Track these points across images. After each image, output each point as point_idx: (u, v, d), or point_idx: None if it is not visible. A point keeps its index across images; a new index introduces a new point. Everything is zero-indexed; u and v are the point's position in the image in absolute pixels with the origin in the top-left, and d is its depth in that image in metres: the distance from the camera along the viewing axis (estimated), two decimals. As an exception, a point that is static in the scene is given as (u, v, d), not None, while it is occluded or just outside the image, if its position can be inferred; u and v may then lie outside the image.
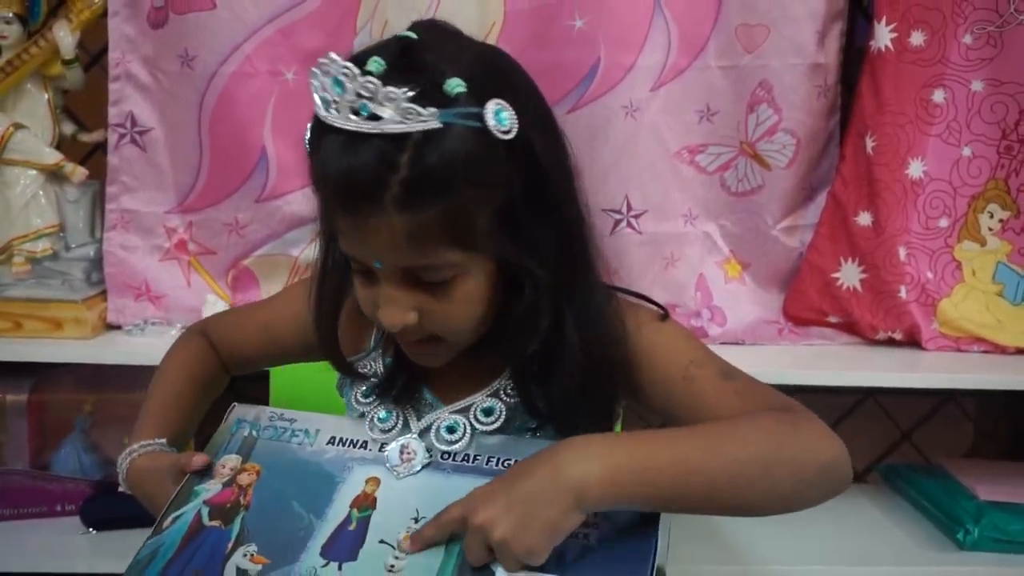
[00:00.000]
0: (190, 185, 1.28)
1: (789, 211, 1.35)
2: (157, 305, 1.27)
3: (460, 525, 0.64)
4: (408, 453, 0.73)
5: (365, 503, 0.71)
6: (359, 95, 0.61)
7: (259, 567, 0.67)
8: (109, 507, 1.24)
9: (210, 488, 0.73)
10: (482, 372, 0.77)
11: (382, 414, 0.76)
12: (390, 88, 0.61)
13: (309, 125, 0.67)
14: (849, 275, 1.34)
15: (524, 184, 0.67)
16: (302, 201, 1.25)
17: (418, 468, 0.72)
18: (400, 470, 0.72)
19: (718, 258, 1.36)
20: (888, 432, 1.60)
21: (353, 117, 0.62)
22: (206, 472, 0.75)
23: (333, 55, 0.62)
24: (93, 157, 1.34)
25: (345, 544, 0.68)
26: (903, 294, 1.32)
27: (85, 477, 1.27)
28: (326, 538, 0.69)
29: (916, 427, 1.60)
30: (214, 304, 1.26)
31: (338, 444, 0.75)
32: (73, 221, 1.24)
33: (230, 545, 0.69)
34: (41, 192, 1.20)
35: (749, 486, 0.65)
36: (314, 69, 0.64)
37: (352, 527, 0.69)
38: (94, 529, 1.23)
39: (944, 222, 1.37)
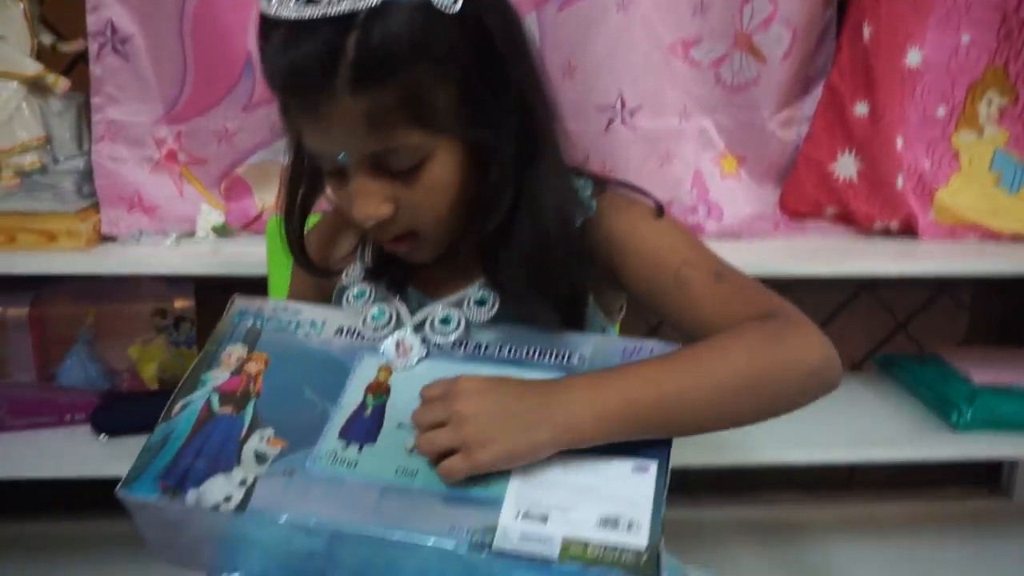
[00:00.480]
0: (176, 94, 1.25)
1: (785, 104, 1.34)
2: (151, 216, 1.26)
3: (438, 405, 0.65)
4: (404, 347, 0.73)
5: (379, 390, 0.70)
6: None
7: (277, 450, 0.66)
8: (119, 414, 1.27)
9: (217, 376, 0.72)
10: (470, 266, 0.77)
11: (375, 312, 0.76)
12: None
13: (256, 29, 0.66)
14: (846, 166, 1.33)
15: (478, 62, 0.66)
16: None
17: (415, 361, 0.72)
18: (397, 364, 0.72)
19: (713, 153, 1.35)
20: (884, 323, 1.61)
21: (292, 4, 0.61)
22: (212, 361, 0.73)
23: None
24: (76, 69, 1.31)
25: (363, 428, 0.68)
26: (900, 184, 1.31)
27: (92, 387, 1.29)
28: (343, 422, 0.68)
29: (912, 317, 1.61)
30: (208, 214, 1.25)
31: (346, 335, 0.75)
32: (60, 134, 1.22)
33: (244, 431, 0.68)
34: (24, 104, 1.18)
35: (736, 406, 0.67)
36: None
37: (368, 412, 0.69)
38: (106, 435, 1.25)
39: (942, 111, 1.35)
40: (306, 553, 0.64)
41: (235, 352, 0.74)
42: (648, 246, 0.75)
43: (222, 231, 1.25)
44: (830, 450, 1.27)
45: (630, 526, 0.60)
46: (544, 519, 0.60)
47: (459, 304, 0.76)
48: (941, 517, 1.60)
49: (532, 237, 0.72)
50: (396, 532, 0.60)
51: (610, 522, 0.60)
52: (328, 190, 0.75)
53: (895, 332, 1.62)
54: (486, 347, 0.73)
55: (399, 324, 0.76)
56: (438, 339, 0.74)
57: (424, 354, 0.73)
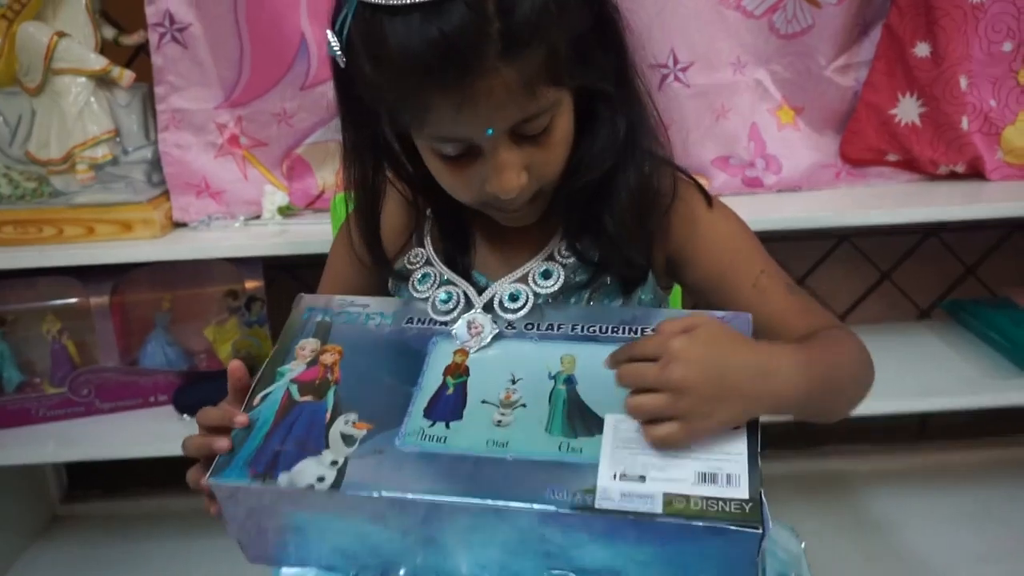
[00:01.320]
0: (235, 79, 1.28)
1: (842, 49, 1.31)
2: (218, 200, 1.30)
3: (650, 369, 0.62)
4: (476, 327, 0.73)
5: (458, 371, 0.70)
6: None
7: (363, 432, 0.66)
8: (199, 393, 1.32)
9: (294, 369, 0.71)
10: (530, 243, 0.78)
11: (442, 295, 0.76)
12: None
13: (340, 28, 0.64)
14: (907, 110, 1.30)
15: (593, 10, 0.67)
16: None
17: (488, 340, 0.72)
18: (471, 344, 0.72)
19: (770, 105, 1.33)
20: (952, 268, 1.58)
21: None
22: (286, 355, 0.73)
23: None
24: (137, 59, 1.35)
25: (447, 406, 0.67)
26: (965, 125, 1.28)
27: (172, 369, 1.35)
28: (426, 402, 0.68)
29: (981, 260, 1.58)
30: (273, 194, 1.28)
31: (417, 323, 0.74)
32: (127, 125, 1.26)
33: (328, 415, 0.67)
34: (93, 99, 1.22)
35: (849, 400, 0.72)
36: None
37: (450, 391, 0.69)
38: (188, 415, 1.31)
39: (1008, 46, 1.30)
40: (399, 532, 0.64)
41: (308, 345, 0.73)
42: (726, 249, 0.77)
43: (287, 211, 1.28)
44: (901, 401, 1.26)
45: (729, 479, 0.59)
46: (642, 478, 0.60)
47: (524, 280, 0.76)
48: (1016, 463, 1.58)
49: (633, 187, 0.73)
50: (497, 499, 0.60)
51: (708, 477, 0.60)
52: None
53: (964, 277, 1.58)
54: (559, 326, 0.72)
55: (468, 306, 0.76)
56: (508, 316, 0.74)
57: (496, 333, 0.73)
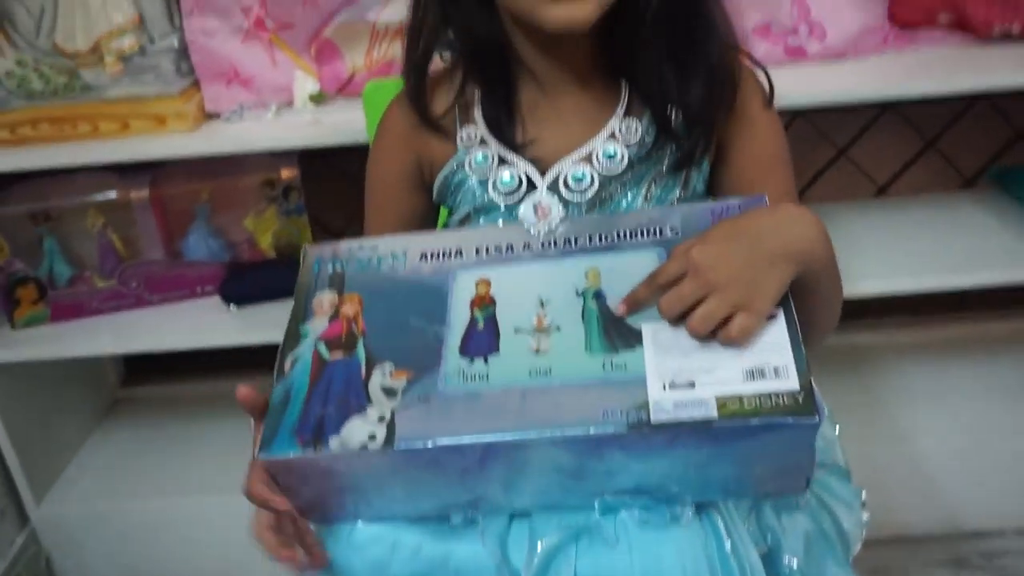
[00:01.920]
0: (256, -42, 1.24)
1: (893, -99, 1.23)
2: (248, 88, 1.28)
3: (687, 284, 0.63)
4: (543, 209, 0.73)
5: (484, 303, 0.69)
6: None
7: (403, 381, 0.65)
8: (244, 284, 1.35)
9: (316, 326, 0.69)
10: (586, 121, 0.77)
11: (504, 177, 0.76)
12: None
13: None
14: (962, -33, 1.23)
15: None
16: (371, -39, 1.20)
17: (556, 222, 0.71)
18: (539, 227, 0.71)
19: (815, -35, 1.27)
20: (1001, 132, 1.53)
21: None
22: (305, 312, 0.71)
23: None
24: (154, -58, 1.31)
25: (482, 341, 0.66)
26: (1023, -19, 1.21)
27: (215, 260, 1.37)
28: (458, 341, 0.66)
29: (1031, 125, 1.53)
30: (303, 81, 1.26)
31: (432, 259, 0.72)
32: (151, 12, 1.23)
33: (363, 370, 0.66)
34: (114, -14, 1.19)
35: (836, 306, 0.75)
36: None
37: (480, 327, 0.67)
38: (234, 305, 1.34)
39: None
40: (457, 475, 0.64)
41: (325, 299, 0.71)
42: (765, 160, 0.78)
43: (319, 99, 1.26)
44: (938, 277, 1.24)
45: (776, 372, 0.59)
46: (691, 384, 0.60)
47: (587, 159, 0.76)
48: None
49: (716, 59, 0.74)
50: (553, 430, 0.60)
51: (756, 373, 0.60)
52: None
53: (1014, 142, 1.53)
54: (576, 239, 0.71)
55: (530, 187, 0.76)
56: (575, 197, 0.74)
57: (563, 215, 0.72)
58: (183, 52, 1.26)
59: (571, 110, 0.77)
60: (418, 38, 0.78)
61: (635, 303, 0.65)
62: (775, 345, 0.61)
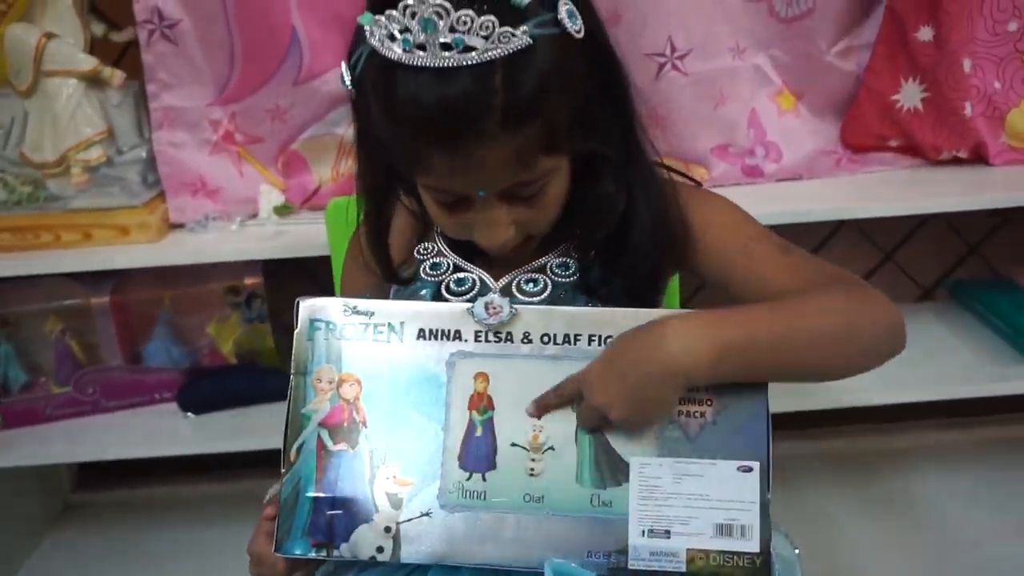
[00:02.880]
0: (227, 75, 1.26)
1: (843, 32, 1.28)
2: (214, 199, 1.29)
3: (577, 399, 0.70)
4: (494, 308, 0.73)
5: (481, 403, 0.72)
6: (453, 29, 0.60)
7: (406, 489, 0.70)
8: (202, 391, 1.34)
9: (318, 408, 0.73)
10: (548, 237, 0.78)
11: (456, 279, 0.78)
12: (484, 17, 0.60)
13: (354, 65, 0.65)
14: (910, 95, 1.28)
15: (593, 77, 0.68)
16: (339, 80, 1.23)
17: (507, 318, 0.72)
18: (490, 323, 0.72)
19: (770, 90, 1.31)
20: (955, 246, 1.57)
21: (445, 53, 0.61)
22: (305, 393, 0.73)
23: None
24: (127, 56, 1.34)
25: (480, 452, 0.71)
26: (968, 110, 1.26)
27: (176, 366, 1.36)
28: (458, 448, 0.71)
29: (984, 240, 1.56)
30: (269, 193, 1.28)
31: (430, 338, 0.73)
32: (120, 124, 1.25)
33: (367, 468, 0.71)
34: (84, 100, 1.21)
35: (833, 354, 0.70)
36: (391, 12, 0.61)
37: (479, 433, 0.71)
38: (192, 413, 1.32)
39: (1013, 25, 1.28)
40: None
41: (324, 375, 0.74)
42: (713, 225, 0.78)
43: (283, 211, 1.27)
44: (898, 391, 1.26)
45: (743, 531, 0.68)
46: (667, 533, 0.68)
47: (541, 271, 0.77)
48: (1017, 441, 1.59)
49: (649, 233, 0.75)
50: (547, 564, 0.67)
51: (725, 529, 0.68)
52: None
53: (967, 256, 1.57)
54: (575, 338, 0.72)
55: (483, 290, 0.77)
56: (525, 299, 0.75)
57: (514, 313, 0.72)
58: (150, 163, 1.27)
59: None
60: (375, 204, 0.80)
61: (543, 409, 0.71)
62: (746, 501, 0.69)
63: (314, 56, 1.24)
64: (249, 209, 1.29)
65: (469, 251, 0.79)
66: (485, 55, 0.61)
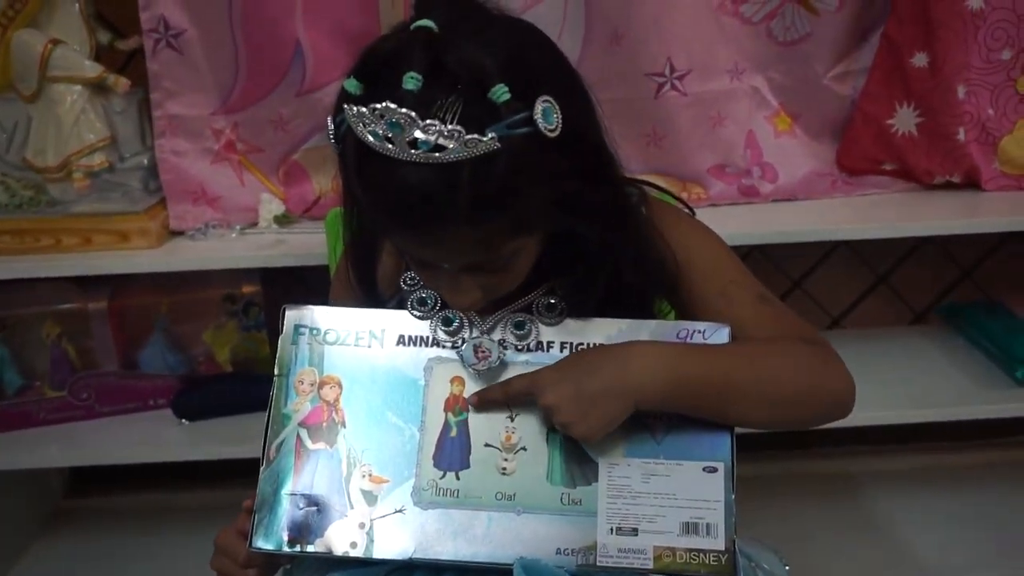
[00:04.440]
0: (230, 85, 1.28)
1: (840, 57, 1.30)
2: (215, 207, 1.30)
3: (525, 399, 0.73)
4: (483, 352, 0.75)
5: (457, 405, 0.74)
6: (423, 132, 0.61)
7: (381, 487, 0.72)
8: (197, 398, 1.34)
9: (298, 409, 0.75)
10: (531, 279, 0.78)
11: (444, 318, 0.77)
12: (454, 127, 0.61)
13: (338, 128, 0.66)
14: (904, 120, 1.30)
15: (573, 167, 0.67)
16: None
17: (496, 363, 0.74)
18: (479, 368, 0.74)
19: (767, 112, 1.33)
20: (948, 271, 1.58)
21: (413, 151, 0.61)
22: (287, 393, 0.75)
23: (390, 104, 0.61)
24: (132, 64, 1.35)
25: (454, 452, 0.73)
26: (961, 136, 1.28)
27: (172, 373, 1.36)
28: (433, 448, 0.73)
29: (977, 264, 1.58)
30: (269, 202, 1.29)
31: (409, 344, 0.76)
32: (124, 131, 1.26)
33: (343, 467, 0.73)
34: (88, 106, 1.22)
35: (782, 411, 0.75)
36: (361, 110, 0.62)
37: (453, 433, 0.73)
38: (186, 420, 1.32)
39: (1007, 54, 1.30)
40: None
41: (306, 377, 0.75)
42: (696, 262, 0.79)
43: (283, 220, 1.28)
44: (888, 411, 1.27)
45: (708, 529, 0.70)
46: (635, 531, 0.70)
47: (527, 309, 0.77)
48: (1006, 466, 1.59)
49: (638, 288, 0.78)
50: (518, 559, 0.69)
51: (691, 527, 0.70)
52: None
53: (960, 280, 1.59)
54: (549, 345, 0.76)
55: (471, 326, 0.77)
56: (514, 342, 0.76)
57: (503, 357, 0.75)
58: (152, 170, 1.28)
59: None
60: (362, 240, 0.80)
61: (484, 403, 0.73)
62: (711, 500, 0.71)
63: (317, 67, 1.26)
64: (249, 218, 1.30)
65: None
66: (450, 155, 0.61)
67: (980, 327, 1.41)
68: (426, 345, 0.76)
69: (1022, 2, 1.28)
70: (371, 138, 0.62)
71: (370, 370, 0.76)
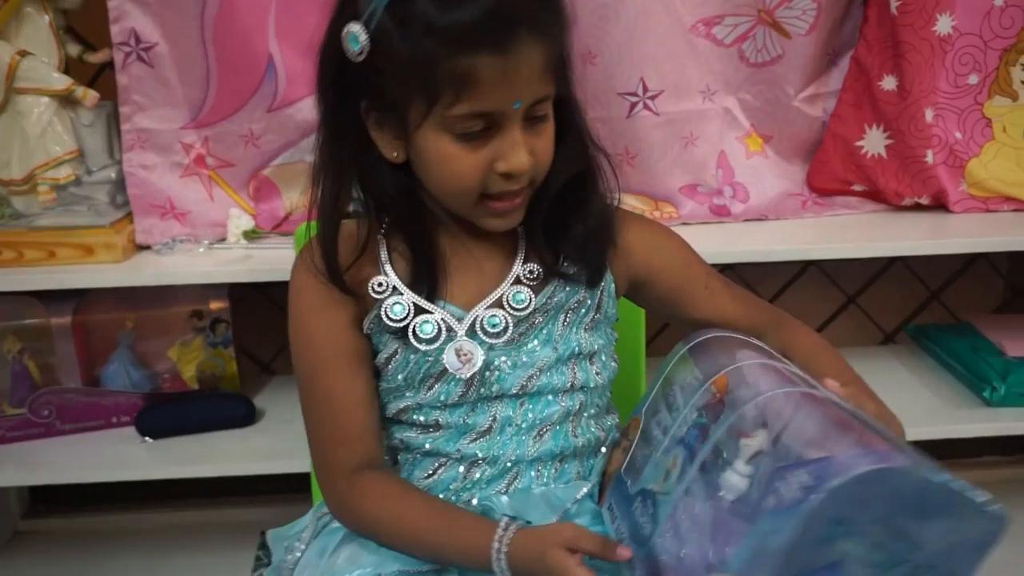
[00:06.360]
0: (201, 99, 1.26)
1: (811, 79, 1.32)
2: (183, 222, 1.28)
3: None
4: (465, 354, 0.76)
5: None
6: None
7: None
8: (161, 416, 1.31)
9: None
10: (493, 269, 0.81)
11: (426, 328, 0.77)
12: None
13: (368, 19, 0.68)
14: (874, 142, 1.31)
15: (566, 25, 0.74)
16: (313, 108, 1.23)
17: (479, 366, 0.76)
18: (463, 372, 0.76)
19: (739, 133, 1.34)
20: (917, 292, 1.60)
21: None
22: None
23: None
24: (102, 77, 1.33)
25: None
26: (929, 158, 1.29)
27: (135, 390, 1.33)
28: None
29: (945, 286, 1.60)
30: (238, 217, 1.27)
31: None
32: (91, 145, 1.24)
33: None
34: (55, 118, 1.20)
35: None
36: None
37: None
38: (150, 438, 1.30)
39: (974, 79, 1.32)
40: None
41: None
42: (679, 262, 0.87)
43: (252, 235, 1.27)
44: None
45: None
46: None
47: (499, 304, 0.79)
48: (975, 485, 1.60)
49: (595, 207, 0.81)
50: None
51: None
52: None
53: (928, 301, 1.60)
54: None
55: (450, 333, 0.78)
56: (490, 340, 0.78)
57: (485, 357, 0.76)
58: (120, 184, 1.26)
59: (483, 256, 0.81)
60: (334, 203, 0.79)
61: None
62: None
63: (289, 83, 1.25)
64: (218, 233, 1.29)
65: (429, 281, 0.79)
66: None
67: (949, 347, 1.42)
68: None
69: (989, 28, 1.30)
70: None
71: None
